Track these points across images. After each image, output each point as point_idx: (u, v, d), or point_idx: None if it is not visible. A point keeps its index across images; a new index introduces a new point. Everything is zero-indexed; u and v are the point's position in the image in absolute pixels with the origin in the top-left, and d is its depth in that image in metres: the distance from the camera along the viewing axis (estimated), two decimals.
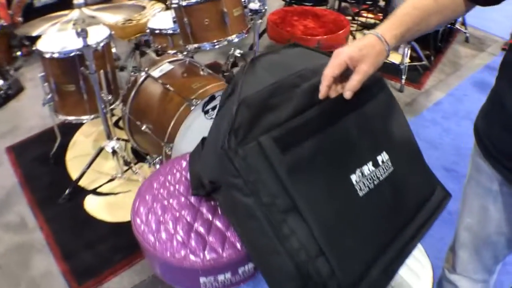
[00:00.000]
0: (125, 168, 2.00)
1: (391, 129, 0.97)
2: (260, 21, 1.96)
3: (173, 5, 1.67)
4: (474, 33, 3.95)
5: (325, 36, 2.07)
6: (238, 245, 0.90)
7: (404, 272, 1.12)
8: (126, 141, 2.08)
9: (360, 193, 0.84)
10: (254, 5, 1.83)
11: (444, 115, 2.86)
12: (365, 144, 0.88)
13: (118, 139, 1.93)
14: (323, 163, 0.81)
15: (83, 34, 1.50)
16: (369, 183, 0.85)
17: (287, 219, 0.76)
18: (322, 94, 0.80)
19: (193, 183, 0.95)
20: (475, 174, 1.05)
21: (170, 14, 1.79)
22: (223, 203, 0.86)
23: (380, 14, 3.74)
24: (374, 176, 0.87)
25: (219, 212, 0.95)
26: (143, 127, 1.75)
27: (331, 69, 0.80)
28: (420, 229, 0.95)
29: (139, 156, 2.08)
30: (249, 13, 1.82)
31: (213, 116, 1.78)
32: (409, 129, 1.02)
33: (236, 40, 1.76)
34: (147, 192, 1.01)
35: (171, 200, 0.98)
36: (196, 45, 1.71)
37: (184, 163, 1.10)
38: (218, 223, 0.93)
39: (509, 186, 0.97)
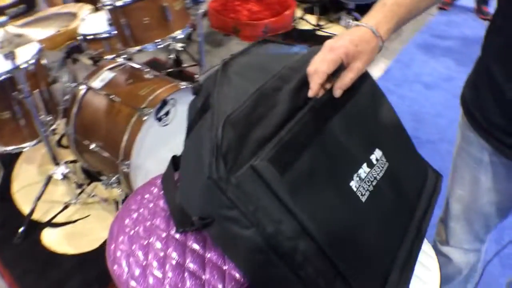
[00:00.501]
0: (79, 191, 1.82)
1: (379, 122, 0.91)
2: (201, 10, 1.82)
3: (107, 7, 1.49)
4: None
5: (272, 19, 1.96)
6: (239, 275, 0.79)
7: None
8: (74, 162, 1.89)
9: (363, 199, 0.78)
10: None
11: (395, 82, 2.88)
12: (356, 146, 0.81)
13: (66, 162, 1.74)
14: (321, 177, 0.73)
15: (10, 56, 1.30)
16: (368, 185, 0.79)
17: (297, 245, 0.68)
18: (314, 92, 0.74)
19: (176, 218, 0.82)
20: (465, 145, 1.04)
21: (102, 16, 1.61)
22: (218, 238, 0.74)
23: None
24: (371, 177, 0.81)
25: (210, 243, 0.83)
26: (92, 146, 1.57)
27: (326, 65, 0.73)
28: (424, 219, 0.92)
29: (92, 175, 1.90)
30: (190, 4, 1.67)
31: (167, 123, 1.64)
32: (395, 114, 0.97)
33: (181, 36, 1.62)
34: (120, 232, 0.87)
35: (151, 239, 0.85)
36: (138, 48, 1.55)
37: (155, 190, 0.97)
38: (211, 256, 0.82)
39: (499, 156, 0.95)
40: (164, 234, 0.86)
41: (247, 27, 1.93)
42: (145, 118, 1.47)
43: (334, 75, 0.76)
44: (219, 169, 0.65)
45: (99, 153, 1.58)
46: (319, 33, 3.36)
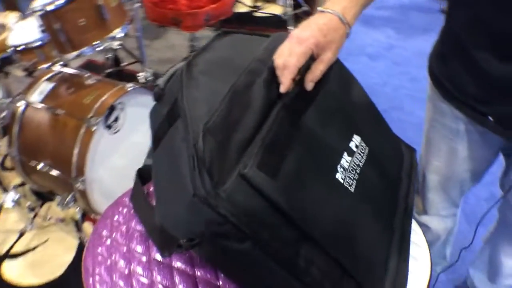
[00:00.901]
0: (32, 215, 1.67)
1: (352, 106, 0.90)
2: (138, 4, 1.70)
3: (38, 13, 1.35)
4: None
5: (213, 5, 1.87)
6: None
7: None
8: (22, 185, 1.73)
9: (351, 189, 0.76)
10: None
11: (340, 57, 2.84)
12: (334, 136, 0.78)
13: (15, 186, 1.59)
14: (309, 174, 0.69)
15: None
16: (353, 174, 0.77)
17: (299, 250, 0.65)
18: (286, 87, 0.69)
19: (157, 241, 0.74)
20: (439, 117, 1.03)
21: (32, 23, 1.46)
22: (210, 257, 0.68)
23: None
24: (354, 165, 0.78)
25: (198, 260, 0.77)
26: (40, 166, 1.44)
27: (296, 59, 0.68)
28: (408, 196, 0.92)
29: (43, 196, 1.75)
30: (125, 0, 1.55)
31: (118, 129, 1.53)
32: (366, 95, 0.95)
33: (121, 34, 1.50)
34: (96, 264, 0.79)
35: (132, 266, 0.77)
36: (75, 53, 1.42)
37: (125, 210, 0.89)
38: (201, 274, 0.75)
39: (474, 125, 0.96)
40: (144, 258, 0.78)
41: (188, 16, 1.83)
42: (94, 128, 1.36)
43: (303, 67, 0.72)
44: (204, 184, 0.59)
45: (49, 173, 1.44)
46: (256, 14, 3.31)
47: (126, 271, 0.76)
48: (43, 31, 1.42)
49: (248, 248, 0.63)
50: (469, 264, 1.52)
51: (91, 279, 0.77)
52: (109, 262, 0.78)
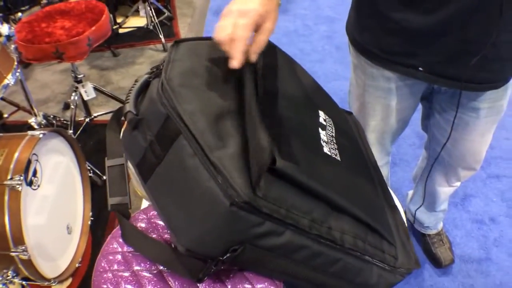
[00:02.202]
0: None
1: (305, 86, 0.95)
2: (13, 45, 1.53)
3: None
4: None
5: (93, 28, 1.76)
6: (269, 284, 0.75)
7: None
8: None
9: (338, 158, 0.82)
10: (5, 30, 1.39)
11: None
12: (306, 116, 0.84)
13: None
14: (311, 154, 0.74)
15: None
16: (333, 145, 0.84)
17: (331, 224, 0.69)
18: (239, 61, 0.69)
19: (185, 270, 0.70)
20: (371, 81, 1.13)
21: None
22: (250, 261, 0.68)
23: None
24: (330, 137, 0.85)
25: (223, 272, 0.75)
26: None
27: (245, 30, 0.68)
28: (369, 151, 1.04)
29: None
30: (5, 42, 1.39)
31: (39, 183, 1.38)
32: (307, 72, 1.00)
33: (13, 80, 1.34)
34: None
35: None
36: None
37: (118, 257, 0.81)
38: (236, 286, 0.74)
39: (404, 79, 1.07)
40: None
41: (70, 46, 1.69)
42: (20, 188, 1.21)
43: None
44: (242, 190, 0.58)
45: None
46: (121, 31, 3.18)
47: None
48: None
49: (289, 238, 0.66)
50: (408, 203, 1.71)
51: None
52: None
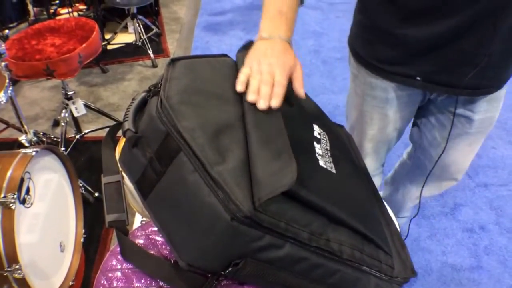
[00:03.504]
0: None
1: (300, 101, 0.97)
2: (4, 63, 1.53)
3: None
4: None
5: (83, 45, 1.77)
6: None
7: None
8: None
9: (333, 171, 0.83)
10: None
11: None
12: (302, 130, 0.85)
13: None
14: (308, 167, 0.75)
15: None
16: (328, 158, 0.85)
17: (329, 236, 0.71)
18: (280, 102, 0.75)
19: (184, 283, 0.70)
20: (369, 91, 1.17)
21: None
22: (251, 275, 0.68)
23: (78, 4, 3.43)
24: (325, 150, 0.87)
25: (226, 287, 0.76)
26: None
27: (285, 79, 0.78)
28: (361, 162, 1.05)
29: None
30: None
31: (32, 201, 1.37)
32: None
33: (5, 99, 1.34)
34: None
35: None
36: None
37: (118, 274, 0.81)
38: None
39: (402, 88, 1.11)
40: None
41: (61, 63, 1.69)
42: (13, 206, 1.20)
43: None
44: (243, 204, 0.59)
45: None
46: (110, 47, 3.19)
47: None
48: None
49: (290, 251, 0.67)
50: None
51: None
52: None
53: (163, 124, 0.68)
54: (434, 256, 1.78)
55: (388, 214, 0.94)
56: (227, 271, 0.65)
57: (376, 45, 1.06)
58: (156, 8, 3.50)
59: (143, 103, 0.80)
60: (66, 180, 1.66)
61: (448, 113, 1.14)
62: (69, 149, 2.17)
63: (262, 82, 0.74)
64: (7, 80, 1.41)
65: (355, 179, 0.91)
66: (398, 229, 1.00)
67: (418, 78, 1.04)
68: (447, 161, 1.24)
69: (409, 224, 1.78)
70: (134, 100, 0.81)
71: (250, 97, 0.73)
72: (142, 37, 3.04)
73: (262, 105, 0.72)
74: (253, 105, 0.76)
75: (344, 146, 1.01)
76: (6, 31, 2.42)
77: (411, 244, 1.77)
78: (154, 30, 3.25)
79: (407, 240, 1.77)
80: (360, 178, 0.95)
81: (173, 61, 0.82)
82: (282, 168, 0.63)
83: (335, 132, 1.02)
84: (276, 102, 0.73)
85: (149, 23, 3.23)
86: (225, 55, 0.96)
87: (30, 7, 2.71)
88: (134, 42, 3.18)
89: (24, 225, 1.31)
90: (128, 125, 0.74)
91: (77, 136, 2.27)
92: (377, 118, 1.19)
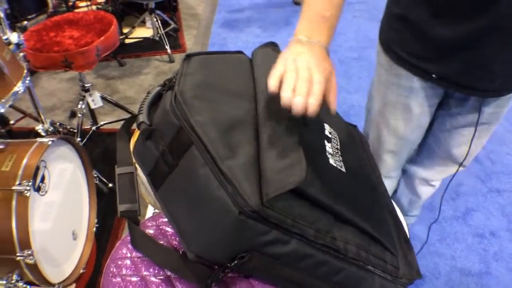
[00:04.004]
0: None
1: None
2: (22, 53, 1.56)
3: None
4: None
5: (101, 39, 1.80)
6: None
7: None
8: None
9: (343, 169, 0.84)
10: (14, 38, 1.42)
11: None
12: (312, 129, 0.85)
13: None
14: (317, 165, 0.76)
15: None
16: (338, 157, 0.86)
17: (335, 234, 0.71)
18: (315, 110, 0.69)
19: (193, 276, 0.72)
20: (394, 79, 1.16)
21: None
22: (257, 268, 0.69)
23: None
24: (335, 149, 0.87)
25: (230, 280, 0.77)
26: None
27: (322, 86, 0.69)
28: (371, 161, 1.04)
29: None
30: (15, 50, 1.42)
31: (47, 189, 1.40)
32: None
33: (22, 88, 1.37)
34: None
35: None
36: None
37: (127, 262, 0.83)
38: None
39: (426, 81, 1.11)
40: None
41: (79, 56, 1.72)
42: (28, 194, 1.23)
43: None
44: (251, 199, 0.61)
45: None
46: (128, 41, 3.23)
47: None
48: None
49: (295, 247, 0.68)
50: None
51: None
52: None
53: (177, 118, 0.69)
54: (443, 260, 1.77)
55: (397, 215, 0.94)
56: (233, 263, 0.66)
57: (401, 34, 1.07)
58: (174, 4, 3.52)
59: (158, 97, 0.81)
60: (81, 170, 1.69)
61: (460, 106, 1.15)
62: (85, 140, 2.21)
63: (299, 79, 0.67)
64: (25, 71, 1.43)
65: (365, 180, 0.92)
66: (407, 230, 1.00)
67: (433, 76, 1.05)
68: (452, 144, 1.25)
69: (429, 230, 1.78)
70: (149, 93, 0.83)
71: (285, 95, 0.66)
72: (159, 32, 3.07)
73: (298, 103, 0.65)
74: (266, 102, 0.77)
75: (356, 146, 1.02)
76: (25, 22, 2.46)
77: (421, 247, 1.76)
78: (172, 26, 3.28)
79: (417, 242, 1.77)
80: (370, 179, 0.95)
81: (189, 56, 0.83)
82: (291, 165, 0.64)
83: (347, 132, 1.02)
84: (314, 100, 0.66)
85: (167, 18, 3.25)
86: (241, 52, 0.97)
87: None
88: (151, 37, 3.21)
89: (38, 213, 1.34)
90: (142, 118, 0.76)
91: (93, 128, 2.30)
92: (400, 109, 1.19)
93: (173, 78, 0.79)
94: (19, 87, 1.35)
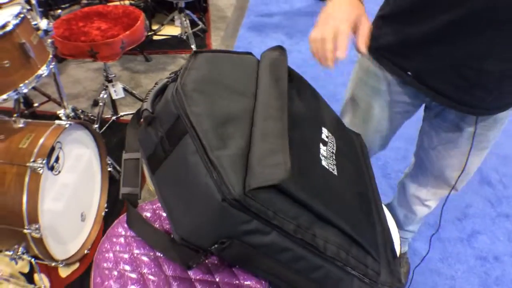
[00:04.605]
0: None
1: (314, 105, 1.00)
2: (50, 40, 1.64)
3: None
4: None
5: (127, 33, 1.87)
6: (255, 283, 0.81)
7: None
8: None
9: (335, 173, 0.86)
10: (43, 25, 1.50)
11: None
12: (309, 131, 0.88)
13: None
14: (306, 165, 0.79)
15: None
16: (332, 160, 0.89)
17: (315, 232, 0.73)
18: (345, 53, 0.84)
19: (178, 257, 0.76)
20: (364, 76, 1.20)
21: None
22: (237, 256, 0.73)
23: None
24: (330, 153, 0.90)
25: (213, 268, 0.81)
26: None
27: (364, 38, 0.88)
28: (369, 169, 1.07)
29: None
30: (43, 36, 1.50)
31: (60, 169, 1.47)
32: (318, 94, 1.06)
33: (46, 72, 1.45)
34: None
35: None
36: (3, 97, 1.34)
37: (121, 240, 0.88)
38: (221, 279, 0.80)
39: (395, 84, 1.13)
40: (160, 278, 0.80)
41: (104, 47, 1.80)
42: (41, 171, 1.30)
43: None
44: (233, 188, 0.64)
45: None
46: (156, 37, 3.32)
47: None
48: None
49: (275, 239, 0.70)
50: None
51: None
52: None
53: (175, 107, 0.74)
54: (442, 280, 1.76)
55: (386, 224, 0.96)
56: (214, 247, 0.69)
57: (384, 29, 1.08)
58: (204, 5, 3.60)
59: (164, 88, 0.86)
60: (96, 156, 1.76)
61: (440, 119, 1.16)
62: (104, 129, 2.29)
63: (324, 41, 0.84)
64: (51, 56, 1.51)
65: (357, 185, 0.94)
66: (398, 242, 1.02)
67: (409, 73, 1.06)
68: (443, 164, 1.25)
69: (430, 241, 1.77)
70: (156, 84, 0.88)
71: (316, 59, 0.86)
72: (187, 31, 3.14)
73: (323, 63, 0.85)
74: (264, 101, 0.80)
75: (354, 153, 1.04)
76: (59, 11, 2.57)
77: (421, 263, 1.76)
78: (200, 26, 3.35)
79: (416, 258, 1.77)
80: (363, 185, 0.97)
81: (196, 53, 0.88)
82: (277, 164, 0.68)
83: (347, 139, 1.05)
84: (340, 54, 0.82)
85: (196, 19, 3.33)
86: (250, 53, 1.01)
87: None
88: (179, 35, 3.28)
89: (50, 191, 1.41)
90: (146, 105, 0.81)
91: (113, 117, 2.38)
92: (363, 107, 1.21)
93: (178, 71, 0.84)
94: (43, 70, 1.42)
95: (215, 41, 3.34)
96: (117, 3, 3.22)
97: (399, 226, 1.63)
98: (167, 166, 0.76)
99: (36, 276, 1.56)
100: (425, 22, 0.96)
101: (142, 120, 0.82)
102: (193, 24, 3.29)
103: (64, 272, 1.61)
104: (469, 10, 0.88)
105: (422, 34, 0.98)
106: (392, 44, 1.07)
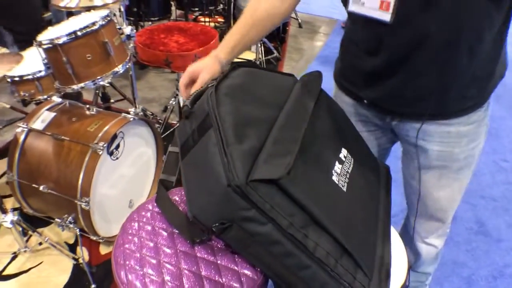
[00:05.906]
0: (25, 238, 1.73)
1: (338, 125, 1.07)
2: (132, 45, 1.87)
3: (45, 46, 1.49)
4: (303, 18, 4.36)
5: (201, 49, 2.06)
6: (251, 273, 0.89)
7: None
8: (16, 209, 1.79)
9: (344, 189, 0.92)
10: (127, 30, 1.73)
11: None
12: (327, 149, 0.95)
13: (12, 210, 1.65)
14: (313, 174, 0.85)
15: None
16: (345, 178, 0.94)
17: (308, 233, 0.79)
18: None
19: (187, 232, 0.88)
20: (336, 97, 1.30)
21: (31, 55, 1.59)
22: (236, 240, 0.82)
23: (217, 17, 3.86)
24: (344, 171, 0.95)
25: (217, 250, 0.91)
26: (42, 188, 1.53)
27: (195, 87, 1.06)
28: (387, 197, 1.09)
29: (34, 222, 1.81)
30: (125, 39, 1.72)
31: (118, 156, 1.66)
32: (346, 116, 1.13)
33: (121, 70, 1.66)
34: (127, 258, 0.90)
35: (161, 257, 0.90)
36: (81, 85, 1.56)
37: (148, 214, 1.01)
38: (222, 261, 0.89)
39: (361, 108, 1.23)
40: (171, 251, 0.91)
41: (179, 58, 2.01)
42: (100, 153, 1.48)
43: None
44: (238, 177, 0.74)
45: (50, 195, 1.54)
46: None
47: (155, 262, 0.89)
48: (46, 64, 1.55)
49: (269, 231, 0.78)
50: None
51: (123, 270, 0.88)
52: (138, 255, 0.90)
53: (207, 106, 0.86)
54: None
55: (389, 251, 0.98)
56: (215, 225, 0.79)
57: (343, 62, 1.22)
58: (283, 35, 3.79)
59: (205, 90, 1.00)
60: (153, 152, 1.94)
61: (408, 143, 1.21)
62: (167, 132, 2.49)
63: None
64: (128, 57, 1.72)
65: (364, 207, 0.98)
66: (406, 264, 1.04)
67: (365, 101, 1.17)
68: (425, 194, 1.27)
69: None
70: (202, 87, 1.02)
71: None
72: (261, 57, 3.33)
73: None
74: (288, 112, 0.91)
75: (372, 179, 1.08)
76: (149, 23, 2.87)
77: None
78: (275, 54, 3.53)
79: None
80: (371, 209, 1.00)
81: (238, 65, 1.01)
82: (281, 164, 0.77)
83: (370, 165, 1.09)
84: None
85: (271, 47, 3.52)
86: (291, 75, 1.13)
87: (173, 8, 3.16)
88: (253, 60, 3.48)
89: (106, 174, 1.59)
90: (187, 103, 0.95)
91: (178, 124, 2.58)
92: None
93: (218, 78, 0.97)
94: (119, 68, 1.63)
95: (286, 70, 3.50)
96: (205, 23, 3.50)
97: (412, 266, 1.60)
98: (193, 153, 0.88)
99: (78, 249, 1.74)
100: (370, 60, 1.08)
101: (182, 113, 0.96)
102: (268, 52, 3.48)
103: (104, 250, 1.78)
104: (391, 53, 1.02)
105: (372, 69, 1.09)
106: (351, 77, 1.20)
